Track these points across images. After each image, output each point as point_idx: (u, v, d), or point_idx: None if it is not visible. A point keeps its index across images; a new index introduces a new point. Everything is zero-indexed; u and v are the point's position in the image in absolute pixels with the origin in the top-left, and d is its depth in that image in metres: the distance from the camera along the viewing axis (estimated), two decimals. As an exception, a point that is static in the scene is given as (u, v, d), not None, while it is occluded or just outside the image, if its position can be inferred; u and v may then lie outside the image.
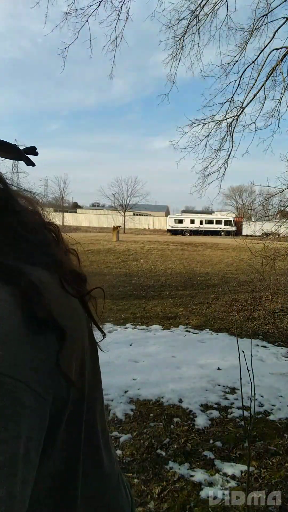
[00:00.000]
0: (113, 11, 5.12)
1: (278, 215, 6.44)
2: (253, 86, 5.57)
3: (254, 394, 1.79)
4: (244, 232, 22.75)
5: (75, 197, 72.28)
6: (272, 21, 5.24)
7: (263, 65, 5.43)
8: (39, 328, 0.32)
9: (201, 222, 36.72)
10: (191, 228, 36.25)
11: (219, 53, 5.62)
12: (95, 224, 44.38)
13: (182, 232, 35.80)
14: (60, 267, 0.42)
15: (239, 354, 1.76)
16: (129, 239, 21.25)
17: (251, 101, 5.63)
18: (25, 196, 0.47)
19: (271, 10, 5.17)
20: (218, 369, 3.65)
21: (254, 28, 5.31)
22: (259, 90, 5.53)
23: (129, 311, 5.98)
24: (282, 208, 6.00)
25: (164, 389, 3.15)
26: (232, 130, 5.84)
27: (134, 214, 41.54)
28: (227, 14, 5.34)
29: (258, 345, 4.42)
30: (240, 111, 5.74)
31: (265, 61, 5.41)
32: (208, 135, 5.91)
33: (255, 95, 5.56)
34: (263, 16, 5.21)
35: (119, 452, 2.30)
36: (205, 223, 36.61)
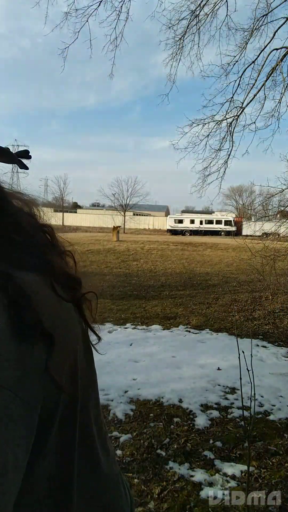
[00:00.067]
0: (113, 11, 5.12)
1: (278, 215, 6.44)
2: (253, 86, 5.57)
3: (254, 394, 1.79)
4: (244, 232, 22.75)
5: (75, 197, 72.35)
6: (272, 21, 5.24)
7: (263, 65, 5.43)
8: (26, 334, 0.31)
9: (201, 222, 36.73)
10: (191, 228, 36.25)
11: (219, 53, 5.62)
12: (95, 224, 44.39)
13: (182, 232, 35.80)
14: (53, 271, 0.41)
15: (239, 354, 1.76)
16: (129, 239, 21.25)
17: (251, 101, 5.63)
18: (20, 197, 0.47)
19: (271, 10, 5.17)
20: (218, 369, 3.65)
21: (254, 28, 5.31)
22: (259, 90, 5.54)
23: (129, 311, 5.98)
24: (282, 208, 6.00)
25: (164, 389, 3.15)
26: (232, 130, 5.84)
27: (134, 214, 41.56)
28: (227, 14, 5.35)
29: (258, 345, 4.42)
30: (240, 111, 5.74)
31: (265, 61, 5.41)
32: (208, 135, 5.92)
33: (255, 95, 5.57)
34: (263, 16, 5.21)
35: (119, 452, 2.30)
36: (205, 223, 36.62)
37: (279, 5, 5.11)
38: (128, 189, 36.04)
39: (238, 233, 29.82)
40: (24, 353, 0.31)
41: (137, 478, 2.05)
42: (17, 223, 0.41)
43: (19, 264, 0.37)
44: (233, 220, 35.82)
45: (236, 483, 2.03)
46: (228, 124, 5.84)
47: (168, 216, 41.48)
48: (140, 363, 3.79)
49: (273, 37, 5.22)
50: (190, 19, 5.46)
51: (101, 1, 4.98)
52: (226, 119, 5.81)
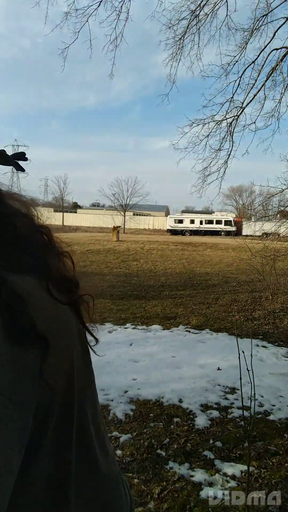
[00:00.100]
0: (113, 11, 5.12)
1: (278, 215, 6.44)
2: (253, 86, 5.57)
3: (254, 394, 1.79)
4: (244, 232, 22.75)
5: (75, 197, 72.37)
6: (272, 21, 5.24)
7: (263, 65, 5.44)
8: (20, 338, 0.31)
9: (201, 222, 36.73)
10: (191, 228, 36.25)
11: (219, 53, 5.63)
12: (95, 224, 44.40)
13: (182, 232, 35.80)
14: (49, 273, 0.41)
15: (239, 354, 1.76)
16: (129, 239, 21.26)
17: (251, 101, 5.64)
18: (18, 198, 0.46)
19: (271, 10, 5.18)
20: (218, 369, 3.65)
21: (254, 28, 5.31)
22: (259, 90, 5.54)
23: (129, 311, 5.98)
24: (282, 208, 6.00)
25: (164, 389, 3.15)
26: (232, 130, 5.85)
27: (134, 214, 41.57)
28: (227, 14, 5.35)
29: (258, 345, 4.42)
30: (240, 111, 5.74)
31: (265, 61, 5.42)
32: (208, 135, 5.92)
33: (255, 95, 5.57)
34: (263, 16, 5.22)
35: (119, 452, 2.30)
36: (205, 223, 36.62)
37: (279, 5, 5.12)
38: (128, 189, 36.10)
39: (238, 233, 29.82)
40: (18, 357, 0.31)
41: (137, 478, 2.05)
42: (12, 225, 0.40)
43: (14, 266, 0.37)
44: (233, 220, 35.82)
45: (236, 483, 2.03)
46: (228, 124, 5.85)
47: (168, 216, 41.48)
48: (140, 363, 3.79)
49: (273, 37, 5.23)
50: (190, 19, 5.46)
51: (101, 1, 4.98)
52: (226, 119, 5.82)
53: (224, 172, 6.06)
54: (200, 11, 5.38)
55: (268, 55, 5.37)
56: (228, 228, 34.69)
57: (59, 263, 0.48)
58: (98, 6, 5.00)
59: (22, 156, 0.50)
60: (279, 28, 5.17)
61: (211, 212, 42.21)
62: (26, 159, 0.50)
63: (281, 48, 5.31)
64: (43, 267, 0.41)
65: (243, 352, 1.75)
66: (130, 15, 5.16)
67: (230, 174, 7.22)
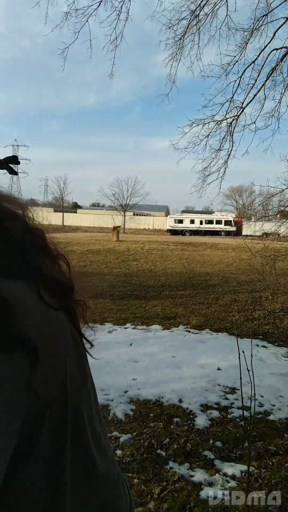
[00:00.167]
0: (113, 11, 5.12)
1: (278, 215, 6.44)
2: (253, 86, 5.58)
3: (254, 394, 1.79)
4: (244, 232, 22.76)
5: (75, 197, 72.35)
6: (272, 21, 5.25)
7: (263, 65, 5.44)
8: (7, 346, 0.31)
9: (201, 222, 36.73)
10: (191, 228, 36.25)
11: (219, 53, 5.63)
12: (95, 224, 44.40)
13: (182, 232, 35.80)
14: (41, 277, 0.40)
15: (239, 354, 1.76)
16: (129, 239, 21.26)
17: (251, 101, 5.64)
18: (12, 200, 0.46)
19: (271, 10, 5.18)
20: (218, 369, 3.65)
21: (254, 28, 5.31)
22: (259, 90, 5.54)
23: (129, 311, 5.98)
24: (282, 208, 6.00)
25: (164, 389, 3.15)
26: (232, 130, 5.85)
27: (134, 214, 41.58)
28: (227, 14, 5.35)
29: (258, 345, 4.42)
30: (240, 111, 5.74)
31: (265, 61, 5.42)
32: (208, 135, 5.92)
33: (255, 95, 5.57)
34: (263, 16, 5.22)
35: (119, 452, 2.30)
36: (205, 223, 36.62)
37: (279, 5, 5.12)
38: (128, 189, 36.10)
39: (238, 233, 29.82)
40: (6, 366, 0.30)
41: (137, 478, 2.05)
42: (3, 228, 0.40)
43: (3, 271, 0.36)
44: (233, 220, 35.82)
45: (236, 483, 2.03)
46: (228, 124, 5.85)
47: (168, 216, 41.48)
48: (140, 363, 3.79)
49: (273, 37, 5.23)
50: (190, 19, 5.47)
51: (101, 1, 4.98)
52: (226, 119, 5.82)
53: (224, 172, 6.07)
54: (200, 11, 5.39)
55: (268, 55, 5.38)
56: (228, 228, 34.69)
57: (53, 267, 0.47)
58: (98, 6, 5.01)
59: (14, 160, 0.50)
60: (279, 28, 5.18)
61: (211, 212, 42.20)
62: (18, 163, 0.50)
63: (281, 48, 5.31)
64: (34, 272, 0.40)
65: (243, 352, 1.75)
66: (130, 15, 5.17)
67: (230, 174, 7.23)
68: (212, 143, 6.03)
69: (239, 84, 5.66)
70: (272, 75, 5.45)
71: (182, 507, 1.84)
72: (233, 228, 33.85)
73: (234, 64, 5.59)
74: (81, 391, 0.44)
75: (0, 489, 0.29)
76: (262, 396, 3.03)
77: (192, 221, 36.98)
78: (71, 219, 46.91)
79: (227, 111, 5.78)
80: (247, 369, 1.73)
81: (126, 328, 5.08)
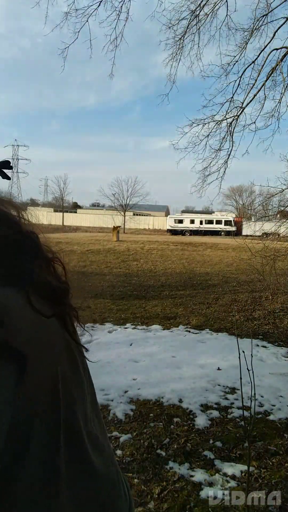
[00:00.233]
0: (113, 11, 5.12)
1: (278, 215, 6.44)
2: (253, 86, 5.58)
3: (254, 394, 1.79)
4: (244, 232, 22.75)
5: (75, 197, 72.35)
6: (272, 21, 5.25)
7: (263, 65, 5.44)
8: None
9: (201, 222, 36.72)
10: (191, 228, 36.24)
11: (219, 53, 5.63)
12: (95, 224, 44.40)
13: (182, 232, 35.79)
14: (32, 283, 0.39)
15: (239, 354, 1.76)
16: (129, 239, 21.26)
17: (251, 101, 5.64)
18: (5, 201, 0.45)
19: (271, 10, 5.18)
20: (218, 369, 3.65)
21: (254, 28, 5.31)
22: (259, 90, 5.54)
23: (129, 311, 5.98)
24: (282, 208, 6.00)
25: (164, 389, 3.15)
26: (232, 130, 5.85)
27: (134, 214, 41.57)
28: (227, 14, 5.35)
29: (258, 345, 4.42)
30: (240, 111, 5.74)
31: (265, 61, 5.42)
32: (208, 135, 5.92)
33: (255, 95, 5.57)
34: (263, 16, 5.22)
35: (119, 452, 2.30)
36: (205, 223, 36.61)
37: (279, 5, 5.12)
38: (128, 189, 36.09)
39: (238, 233, 29.80)
40: None
41: (137, 478, 2.05)
42: None
43: None
44: (233, 220, 35.81)
45: (236, 483, 2.03)
46: (228, 124, 5.85)
47: (168, 216, 41.46)
48: (140, 363, 3.79)
49: (273, 37, 5.23)
50: (190, 19, 5.47)
51: (101, 1, 4.98)
52: (226, 119, 5.82)
53: (224, 172, 6.06)
54: (200, 11, 5.39)
55: (268, 55, 5.38)
56: (228, 228, 34.67)
57: (47, 271, 0.46)
58: (98, 6, 5.01)
59: (7, 164, 0.49)
60: (279, 28, 5.18)
61: (211, 212, 42.20)
62: (11, 168, 0.49)
63: (281, 48, 5.31)
64: (25, 278, 0.39)
65: (243, 352, 1.75)
66: (130, 15, 5.17)
67: (230, 174, 7.23)
68: (212, 143, 6.04)
69: (239, 84, 5.67)
70: (272, 75, 5.45)
71: (182, 507, 1.84)
72: (233, 228, 33.83)
73: (234, 64, 5.59)
74: (74, 394, 0.44)
75: None
76: (262, 396, 3.03)
77: (192, 221, 36.97)
78: (71, 219, 46.91)
79: (227, 111, 5.78)
80: (247, 369, 1.73)
81: (126, 328, 5.08)
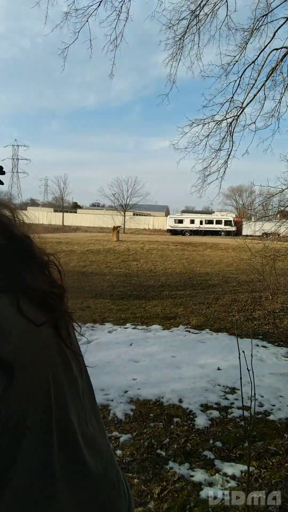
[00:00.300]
0: (113, 11, 5.12)
1: (278, 215, 6.45)
2: (253, 86, 5.58)
3: (254, 394, 1.79)
4: (244, 232, 22.76)
5: (75, 197, 72.34)
6: (272, 21, 5.25)
7: (263, 65, 5.44)
8: None
9: (201, 222, 36.72)
10: (191, 228, 36.25)
11: (219, 53, 5.63)
12: (95, 224, 44.41)
13: (182, 232, 35.80)
14: (24, 290, 0.39)
15: (239, 354, 1.76)
16: (129, 239, 21.26)
17: (251, 101, 5.64)
18: (6, 204, 0.45)
19: (271, 10, 5.18)
20: (218, 369, 3.65)
21: (254, 28, 5.31)
22: (259, 90, 5.54)
23: (129, 311, 5.98)
24: (282, 208, 6.00)
25: (164, 389, 3.15)
26: (232, 130, 5.85)
27: (134, 214, 41.59)
28: (227, 14, 5.35)
29: (258, 345, 4.42)
30: (240, 111, 5.74)
31: (265, 61, 5.42)
32: (208, 135, 5.92)
33: (255, 95, 5.57)
34: (263, 16, 5.22)
35: (119, 452, 2.30)
36: (205, 223, 36.61)
37: (279, 5, 5.12)
38: (128, 189, 36.12)
39: (238, 233, 29.80)
40: None
41: (137, 478, 2.05)
42: None
43: None
44: (233, 220, 35.81)
45: (236, 483, 2.03)
46: (228, 124, 5.85)
47: (168, 216, 41.46)
48: (140, 363, 3.79)
49: (273, 37, 5.23)
50: (190, 19, 5.46)
51: (101, 1, 4.98)
52: (226, 119, 5.82)
53: (224, 172, 6.06)
54: (200, 11, 5.39)
55: (268, 55, 5.38)
56: (228, 228, 34.67)
57: (40, 277, 0.45)
58: (98, 6, 5.01)
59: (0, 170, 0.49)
60: (279, 28, 5.18)
61: (211, 212, 42.19)
62: (3, 173, 0.49)
63: (281, 48, 5.31)
64: (16, 285, 0.38)
65: (243, 352, 1.75)
66: (130, 15, 5.17)
67: (230, 174, 7.23)
68: (212, 143, 6.04)
69: (239, 84, 5.66)
70: (272, 75, 5.45)
71: (182, 507, 1.84)
72: (233, 228, 33.83)
73: (234, 64, 5.59)
74: (67, 398, 0.43)
75: None
76: (262, 396, 3.03)
77: (192, 221, 36.97)
78: (71, 219, 46.92)
79: (227, 111, 5.78)
80: (247, 369, 1.73)
81: (126, 328, 5.08)
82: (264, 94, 5.54)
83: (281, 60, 5.28)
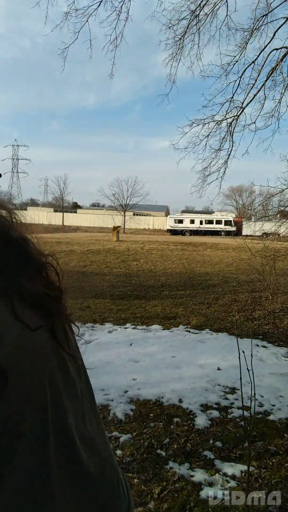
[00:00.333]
0: (113, 11, 5.12)
1: (278, 215, 6.45)
2: (253, 86, 5.58)
3: (254, 394, 1.79)
4: (244, 232, 22.76)
5: (75, 197, 72.41)
6: (272, 21, 5.25)
7: (263, 65, 5.44)
8: None
9: (201, 222, 36.72)
10: (191, 228, 36.25)
11: (219, 53, 5.63)
12: (95, 224, 44.42)
13: (182, 232, 35.80)
14: (19, 293, 0.38)
15: (239, 354, 1.76)
16: (129, 239, 21.26)
17: (251, 101, 5.64)
18: (4, 206, 0.44)
19: (271, 10, 5.18)
20: (218, 369, 3.65)
21: (254, 28, 5.31)
22: (259, 90, 5.54)
23: (129, 311, 5.98)
24: (282, 208, 6.00)
25: (164, 389, 3.15)
26: (232, 130, 5.85)
27: (134, 214, 41.59)
28: (227, 14, 5.35)
29: (258, 345, 4.42)
30: (240, 111, 5.74)
31: (265, 61, 5.42)
32: (208, 135, 5.92)
33: (255, 95, 5.57)
34: (263, 16, 5.22)
35: (119, 452, 2.30)
36: (205, 223, 36.61)
37: (279, 5, 5.12)
38: (128, 189, 36.13)
39: (238, 233, 29.80)
40: None
41: (137, 478, 2.05)
42: None
43: None
44: (233, 220, 35.82)
45: (236, 483, 2.03)
46: (228, 124, 5.85)
47: (168, 216, 41.47)
48: (140, 363, 3.79)
49: (273, 37, 5.23)
50: (190, 19, 5.46)
51: (101, 1, 4.98)
52: (226, 119, 5.82)
53: (224, 172, 6.06)
54: (200, 11, 5.39)
55: (268, 55, 5.38)
56: (228, 228, 34.67)
57: (37, 279, 0.44)
58: (98, 6, 5.01)
59: None
60: (279, 28, 5.18)
61: (211, 212, 42.20)
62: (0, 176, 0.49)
63: (281, 48, 5.31)
64: (11, 288, 0.38)
65: (243, 352, 1.75)
66: (130, 15, 5.17)
67: (230, 174, 7.23)
68: (212, 143, 6.04)
69: (239, 84, 5.66)
70: (272, 75, 5.45)
71: (182, 507, 1.84)
72: (233, 228, 33.83)
73: (234, 64, 5.59)
74: (64, 399, 0.43)
75: None
76: (262, 396, 3.03)
77: (192, 221, 36.97)
78: (71, 219, 46.93)
79: (227, 111, 5.78)
80: (247, 369, 1.73)
81: (126, 328, 5.08)
82: (264, 94, 5.55)
83: (281, 60, 5.28)
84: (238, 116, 5.76)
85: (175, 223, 37.16)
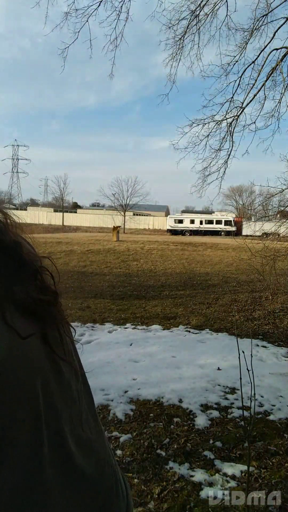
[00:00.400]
0: (113, 11, 5.12)
1: (278, 215, 6.45)
2: (253, 86, 5.57)
3: (254, 394, 1.79)
4: (244, 232, 22.76)
5: (75, 197, 72.49)
6: (272, 21, 5.24)
7: (263, 65, 5.44)
8: None
9: (201, 222, 36.72)
10: (191, 228, 36.25)
11: (219, 53, 5.63)
12: (95, 224, 44.44)
13: (182, 232, 35.80)
14: (10, 300, 0.38)
15: (239, 354, 1.76)
16: (129, 239, 21.26)
17: (251, 101, 5.64)
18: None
19: (271, 10, 5.17)
20: (218, 369, 3.65)
21: (254, 28, 5.31)
22: (259, 90, 5.54)
23: (129, 311, 5.98)
24: (282, 208, 6.00)
25: (164, 389, 3.15)
26: (232, 130, 5.84)
27: (134, 214, 41.60)
28: (227, 14, 5.35)
29: (258, 345, 4.42)
30: (240, 111, 5.74)
31: (265, 61, 5.42)
32: (208, 135, 5.92)
33: (255, 95, 5.57)
34: (263, 16, 5.21)
35: (119, 452, 2.30)
36: (205, 223, 36.61)
37: (279, 5, 5.12)
38: (128, 189, 36.13)
39: (238, 233, 29.81)
40: None
41: (137, 478, 2.05)
42: None
43: None
44: (233, 220, 35.82)
45: (236, 483, 2.03)
46: (228, 124, 5.85)
47: (168, 216, 41.46)
48: (140, 363, 3.79)
49: (273, 37, 5.23)
50: (190, 19, 5.46)
51: (101, 1, 4.98)
52: (226, 119, 5.82)
53: (224, 172, 6.06)
54: (200, 11, 5.39)
55: (268, 55, 5.38)
56: (228, 228, 34.68)
57: (31, 284, 0.43)
58: (98, 6, 5.00)
59: None
60: (279, 28, 5.17)
61: (211, 212, 42.20)
62: None
63: (281, 48, 5.31)
64: (2, 295, 0.37)
65: (243, 352, 1.75)
66: (130, 15, 5.16)
67: (230, 174, 7.24)
68: (212, 143, 6.04)
69: (239, 84, 5.66)
70: (272, 75, 5.45)
71: (182, 507, 1.84)
72: (233, 228, 33.84)
73: (234, 64, 5.59)
74: (57, 402, 0.43)
75: None
76: (262, 396, 3.03)
77: (192, 221, 36.97)
78: (71, 219, 46.95)
79: (227, 111, 5.78)
80: (247, 369, 1.73)
81: (126, 328, 5.08)
82: (264, 94, 5.55)
83: (281, 60, 5.28)
84: (238, 116, 5.76)
85: (175, 223, 37.15)
